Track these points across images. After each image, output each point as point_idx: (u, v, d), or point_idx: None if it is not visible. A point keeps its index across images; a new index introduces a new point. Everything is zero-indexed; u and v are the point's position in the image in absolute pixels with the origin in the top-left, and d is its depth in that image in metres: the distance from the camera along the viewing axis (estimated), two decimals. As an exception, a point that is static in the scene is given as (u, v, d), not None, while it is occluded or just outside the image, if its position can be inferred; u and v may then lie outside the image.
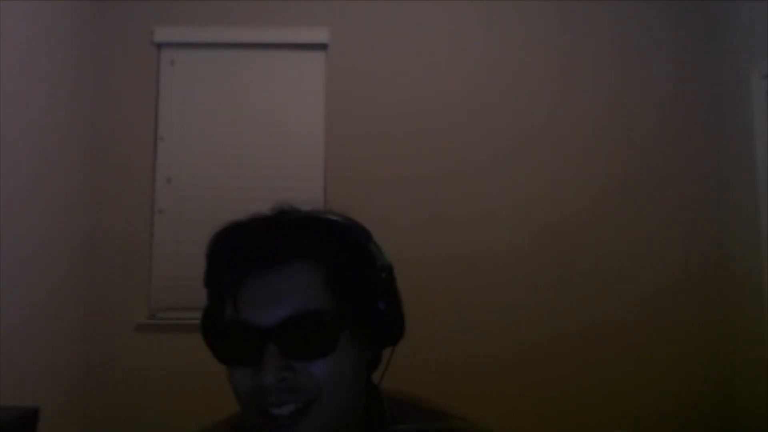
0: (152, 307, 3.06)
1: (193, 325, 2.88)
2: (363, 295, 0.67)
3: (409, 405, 0.75)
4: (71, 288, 2.91)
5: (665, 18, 3.22)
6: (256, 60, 3.22)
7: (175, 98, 3.19)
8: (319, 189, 3.10)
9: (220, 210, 3.06)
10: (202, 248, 0.71)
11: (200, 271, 0.70)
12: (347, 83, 3.19)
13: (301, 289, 0.64)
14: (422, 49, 3.22)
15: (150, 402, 2.96)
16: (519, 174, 3.14)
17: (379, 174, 3.11)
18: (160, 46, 3.21)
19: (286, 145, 3.16)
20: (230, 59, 3.22)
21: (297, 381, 0.62)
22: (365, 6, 3.24)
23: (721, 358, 3.00)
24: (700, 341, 3.03)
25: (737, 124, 2.96)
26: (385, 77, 3.20)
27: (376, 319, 0.68)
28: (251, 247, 0.66)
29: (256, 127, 3.17)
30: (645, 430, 2.94)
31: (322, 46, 3.21)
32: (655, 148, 3.16)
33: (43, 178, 2.67)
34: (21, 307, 2.46)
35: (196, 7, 3.22)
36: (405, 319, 0.71)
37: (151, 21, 3.20)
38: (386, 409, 0.73)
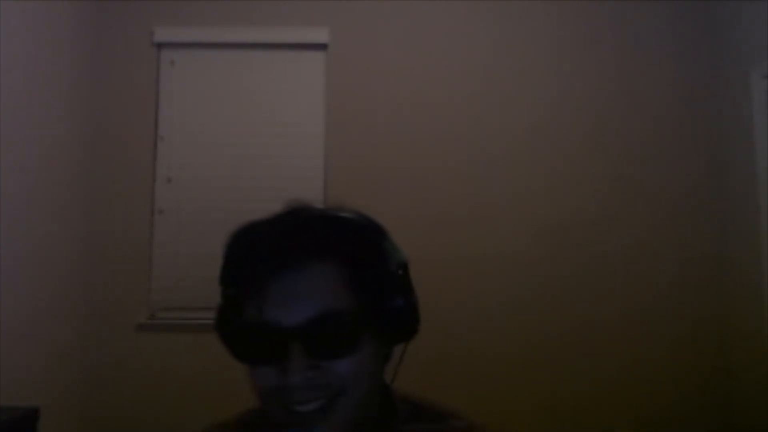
0: (152, 307, 3.06)
1: (193, 325, 2.92)
2: (381, 293, 0.68)
3: (418, 405, 0.76)
4: (71, 288, 2.91)
5: (665, 18, 3.23)
6: (256, 60, 3.22)
7: (175, 98, 3.19)
8: (319, 189, 3.10)
9: (220, 210, 3.06)
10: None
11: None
12: (347, 83, 3.19)
13: (325, 289, 0.65)
14: (422, 49, 3.22)
15: (150, 402, 2.96)
16: (519, 173, 3.14)
17: (379, 174, 3.11)
18: (160, 46, 3.21)
19: (286, 145, 3.16)
20: (230, 59, 3.22)
21: (322, 378, 0.63)
22: (365, 6, 3.25)
23: (721, 357, 3.00)
24: (699, 340, 3.03)
25: (737, 124, 2.96)
26: (385, 77, 3.20)
27: (394, 316, 0.68)
28: (274, 247, 0.66)
29: (256, 127, 3.17)
30: (645, 430, 2.94)
31: (322, 46, 3.21)
32: (655, 147, 3.16)
33: (43, 178, 2.67)
34: (21, 307, 2.46)
35: (196, 7, 3.22)
36: (420, 316, 0.72)
37: (151, 21, 3.20)
38: (398, 408, 0.74)
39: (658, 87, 3.20)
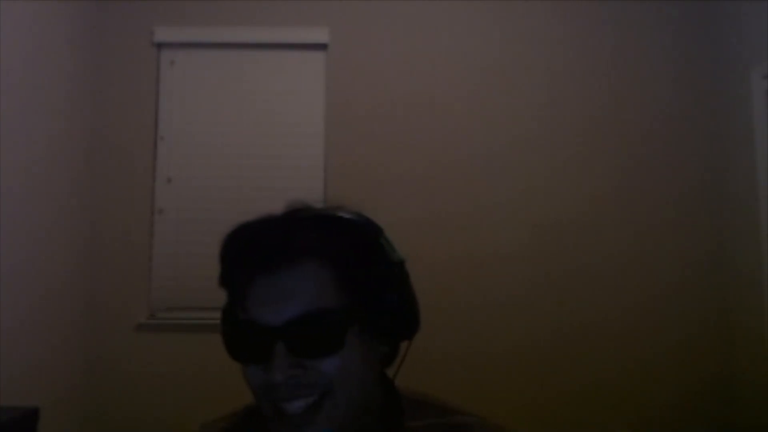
0: (152, 307, 3.06)
1: (193, 325, 2.92)
2: (373, 291, 0.68)
3: (423, 401, 0.76)
4: (71, 288, 2.91)
5: (665, 18, 3.23)
6: (256, 60, 3.22)
7: (175, 98, 3.19)
8: (319, 189, 3.10)
9: (220, 210, 3.06)
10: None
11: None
12: (347, 83, 3.19)
13: (308, 288, 0.65)
14: (422, 50, 3.22)
15: (150, 402, 2.96)
16: (519, 173, 3.14)
17: (379, 173, 3.11)
18: (160, 46, 3.21)
19: (286, 145, 3.16)
20: (230, 59, 3.22)
21: (307, 377, 0.63)
22: (365, 6, 3.25)
23: (722, 357, 3.00)
24: (700, 340, 3.03)
25: (737, 124, 2.96)
26: (384, 77, 3.20)
27: (386, 313, 0.69)
28: (258, 246, 0.67)
29: (256, 127, 3.17)
30: (645, 430, 2.94)
31: (322, 46, 3.21)
32: (655, 148, 3.16)
33: (43, 178, 2.67)
34: (21, 307, 2.46)
35: (196, 7, 3.22)
36: (419, 313, 0.72)
37: (151, 21, 3.20)
38: (403, 404, 0.74)
39: (658, 87, 3.19)
